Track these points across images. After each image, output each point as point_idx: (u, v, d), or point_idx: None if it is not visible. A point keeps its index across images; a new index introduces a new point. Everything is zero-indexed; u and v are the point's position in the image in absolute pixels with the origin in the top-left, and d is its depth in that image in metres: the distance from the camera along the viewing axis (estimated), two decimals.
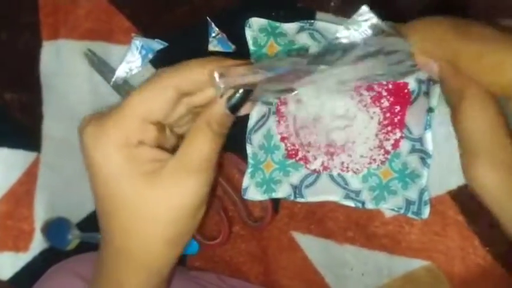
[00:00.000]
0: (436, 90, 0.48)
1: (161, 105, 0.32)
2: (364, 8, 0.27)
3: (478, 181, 0.24)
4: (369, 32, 0.27)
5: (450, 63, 0.25)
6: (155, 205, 0.31)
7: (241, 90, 0.31)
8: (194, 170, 0.31)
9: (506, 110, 0.24)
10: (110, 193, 0.32)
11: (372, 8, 0.26)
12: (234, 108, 0.32)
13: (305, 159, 0.52)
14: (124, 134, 0.31)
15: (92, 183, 0.33)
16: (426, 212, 0.49)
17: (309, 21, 0.51)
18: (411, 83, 0.50)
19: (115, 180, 0.31)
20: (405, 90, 0.50)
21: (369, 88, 0.50)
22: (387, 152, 0.50)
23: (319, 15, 0.52)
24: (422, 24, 0.26)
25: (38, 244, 0.64)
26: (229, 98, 0.32)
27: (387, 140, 0.50)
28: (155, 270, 0.33)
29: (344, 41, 0.28)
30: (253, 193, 0.52)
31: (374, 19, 0.27)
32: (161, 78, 0.32)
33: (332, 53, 0.28)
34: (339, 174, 0.52)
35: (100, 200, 0.33)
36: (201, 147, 0.32)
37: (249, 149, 0.53)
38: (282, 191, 0.52)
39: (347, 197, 0.51)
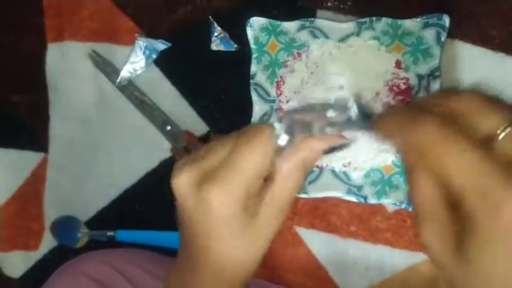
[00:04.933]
0: (436, 86, 0.48)
1: (270, 162, 0.34)
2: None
3: (425, 243, 0.28)
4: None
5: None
6: (254, 251, 0.35)
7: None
8: (282, 209, 0.35)
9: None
10: (222, 238, 0.34)
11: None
12: (330, 150, 0.35)
13: None
14: (247, 193, 0.33)
15: (201, 234, 0.35)
16: None
17: (309, 19, 0.51)
18: (412, 78, 0.50)
19: (232, 229, 0.34)
20: (406, 86, 0.50)
21: None
22: (388, 147, 0.51)
23: (319, 13, 0.53)
24: (386, 115, 0.30)
25: (47, 243, 0.65)
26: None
27: None
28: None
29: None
30: None
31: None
32: (267, 139, 0.34)
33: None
34: (341, 170, 0.52)
35: (208, 244, 0.35)
36: (292, 188, 0.34)
37: None
38: None
39: (350, 192, 0.52)
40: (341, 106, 0.36)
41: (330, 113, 0.36)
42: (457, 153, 0.26)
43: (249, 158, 0.33)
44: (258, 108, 0.53)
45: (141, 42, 0.58)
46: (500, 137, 0.26)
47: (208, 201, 0.33)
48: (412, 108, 0.29)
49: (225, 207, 0.33)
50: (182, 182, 0.35)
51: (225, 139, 0.36)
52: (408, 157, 0.29)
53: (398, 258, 0.54)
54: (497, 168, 0.25)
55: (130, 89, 0.59)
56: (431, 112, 0.28)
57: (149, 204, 0.61)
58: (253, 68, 0.53)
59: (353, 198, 0.52)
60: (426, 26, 0.48)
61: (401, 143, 0.28)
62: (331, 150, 0.35)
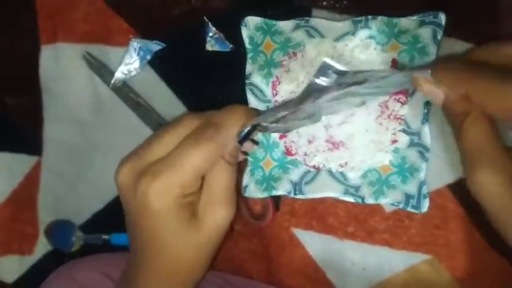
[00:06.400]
0: None
1: (211, 163, 0.36)
2: (326, 61, 0.35)
3: (481, 187, 0.28)
4: (335, 76, 0.34)
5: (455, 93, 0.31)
6: (195, 246, 0.36)
7: (248, 127, 0.37)
8: (220, 200, 0.36)
9: (505, 131, 0.29)
10: (159, 233, 0.35)
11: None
12: (242, 141, 0.37)
13: (304, 156, 0.52)
14: (182, 190, 0.35)
15: (140, 226, 0.36)
16: (425, 205, 0.49)
17: (304, 18, 0.51)
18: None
19: (168, 225, 0.35)
20: None
21: None
22: (385, 147, 0.51)
23: (315, 12, 0.53)
24: (443, 68, 0.32)
25: (42, 247, 0.65)
26: (239, 133, 0.37)
27: (386, 134, 0.50)
28: (189, 283, 0.38)
29: (319, 84, 0.38)
30: (254, 191, 0.53)
31: (336, 66, 0.38)
32: (212, 141, 0.35)
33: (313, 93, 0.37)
34: (338, 170, 0.52)
35: (147, 237, 0.36)
36: (220, 177, 0.36)
37: None
38: (282, 188, 0.52)
39: (347, 192, 0.51)
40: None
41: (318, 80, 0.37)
42: None
43: (191, 159, 0.34)
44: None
45: (135, 43, 0.58)
46: None
47: (144, 195, 0.34)
48: (467, 63, 0.32)
49: (161, 202, 0.34)
50: (122, 175, 0.36)
51: (172, 129, 0.37)
52: (461, 103, 0.30)
53: (397, 259, 0.53)
54: None
55: (124, 91, 0.59)
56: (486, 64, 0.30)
57: None
58: (249, 68, 0.53)
59: (351, 199, 0.51)
60: (422, 24, 0.48)
61: (458, 91, 0.30)
62: (243, 138, 0.37)
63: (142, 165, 0.36)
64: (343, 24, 0.50)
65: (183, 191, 0.35)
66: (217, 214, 0.36)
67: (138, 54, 0.58)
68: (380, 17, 0.49)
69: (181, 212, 0.35)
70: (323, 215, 0.55)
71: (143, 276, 0.37)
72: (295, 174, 0.52)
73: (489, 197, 0.29)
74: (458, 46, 0.49)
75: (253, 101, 0.53)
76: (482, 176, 0.29)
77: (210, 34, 0.56)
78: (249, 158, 0.53)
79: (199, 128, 0.36)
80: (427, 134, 0.49)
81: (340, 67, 0.35)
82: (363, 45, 0.50)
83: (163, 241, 0.35)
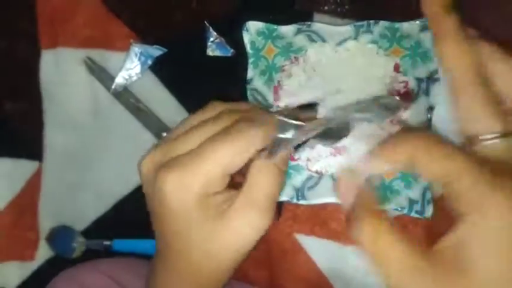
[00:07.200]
0: (436, 89, 0.48)
1: (243, 162, 0.33)
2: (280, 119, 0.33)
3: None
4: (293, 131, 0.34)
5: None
6: (222, 247, 0.33)
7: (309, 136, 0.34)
8: (259, 207, 0.32)
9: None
10: (180, 233, 0.33)
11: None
12: (298, 147, 0.35)
13: (307, 161, 0.52)
14: (206, 188, 0.32)
15: (160, 223, 0.34)
16: (429, 211, 0.49)
17: (306, 23, 0.51)
18: (411, 81, 0.49)
19: (188, 224, 0.32)
20: (405, 89, 0.50)
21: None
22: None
23: (316, 17, 0.52)
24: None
25: (43, 253, 0.64)
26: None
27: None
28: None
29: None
30: None
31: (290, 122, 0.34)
32: (244, 135, 0.32)
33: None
34: None
35: (169, 236, 0.34)
36: (267, 184, 0.33)
37: None
38: (285, 194, 0.52)
39: None
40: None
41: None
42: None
43: (219, 154, 0.31)
44: None
45: (136, 48, 0.58)
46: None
47: (161, 186, 0.31)
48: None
49: (179, 199, 0.31)
50: (144, 164, 0.34)
51: (205, 125, 0.34)
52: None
53: None
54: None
55: (125, 96, 0.59)
56: None
57: (147, 212, 0.60)
58: (250, 73, 0.52)
59: None
60: (424, 28, 0.48)
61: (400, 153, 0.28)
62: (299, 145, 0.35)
63: (167, 155, 0.33)
64: (345, 29, 0.50)
65: (207, 190, 0.31)
66: (252, 221, 0.32)
67: (139, 59, 0.58)
68: (381, 22, 0.49)
69: (202, 213, 0.31)
70: (326, 221, 0.54)
71: (163, 277, 0.35)
72: (297, 180, 0.52)
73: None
74: None
75: None
76: None
77: (211, 39, 0.56)
78: None
79: (230, 120, 0.33)
80: None
81: (295, 122, 0.33)
82: (365, 50, 0.50)
83: (183, 242, 0.33)
